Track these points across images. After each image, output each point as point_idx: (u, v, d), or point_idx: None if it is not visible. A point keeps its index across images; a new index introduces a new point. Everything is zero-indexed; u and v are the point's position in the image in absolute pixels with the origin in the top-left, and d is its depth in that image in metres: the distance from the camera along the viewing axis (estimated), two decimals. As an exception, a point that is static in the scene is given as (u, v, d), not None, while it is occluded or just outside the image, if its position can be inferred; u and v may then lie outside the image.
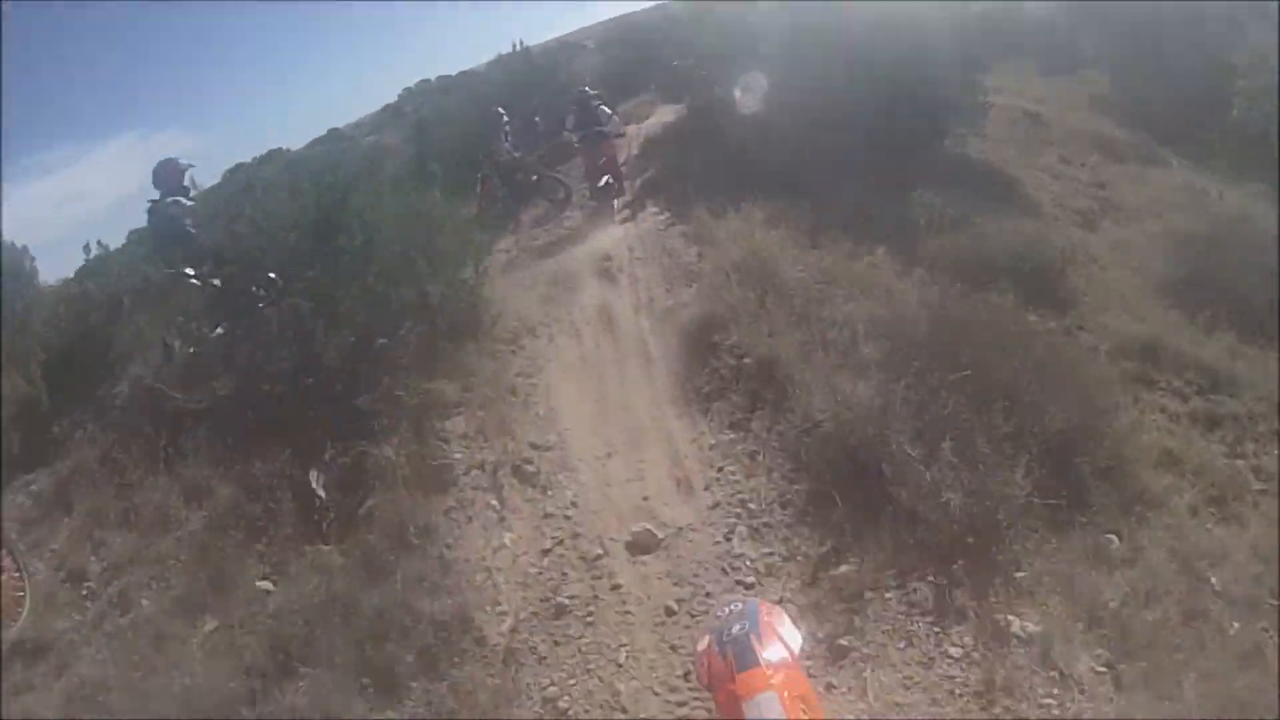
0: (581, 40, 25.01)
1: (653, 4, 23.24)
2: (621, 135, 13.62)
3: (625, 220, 12.56)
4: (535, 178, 13.42)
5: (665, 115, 17.37)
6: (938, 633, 5.31)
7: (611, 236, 11.32)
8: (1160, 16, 21.52)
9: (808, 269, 9.54)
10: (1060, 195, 14.04)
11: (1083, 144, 17.01)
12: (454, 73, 25.07)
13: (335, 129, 32.86)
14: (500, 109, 13.97)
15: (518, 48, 18.91)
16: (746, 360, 7.51)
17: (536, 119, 16.28)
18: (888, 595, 5.54)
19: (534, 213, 13.61)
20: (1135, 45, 21.57)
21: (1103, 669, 4.98)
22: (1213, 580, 5.65)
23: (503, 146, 13.39)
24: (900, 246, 10.67)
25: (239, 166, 29.73)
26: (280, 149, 30.57)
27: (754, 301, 8.02)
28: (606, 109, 13.20)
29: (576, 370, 8.05)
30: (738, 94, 14.35)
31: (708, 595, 5.82)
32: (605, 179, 12.62)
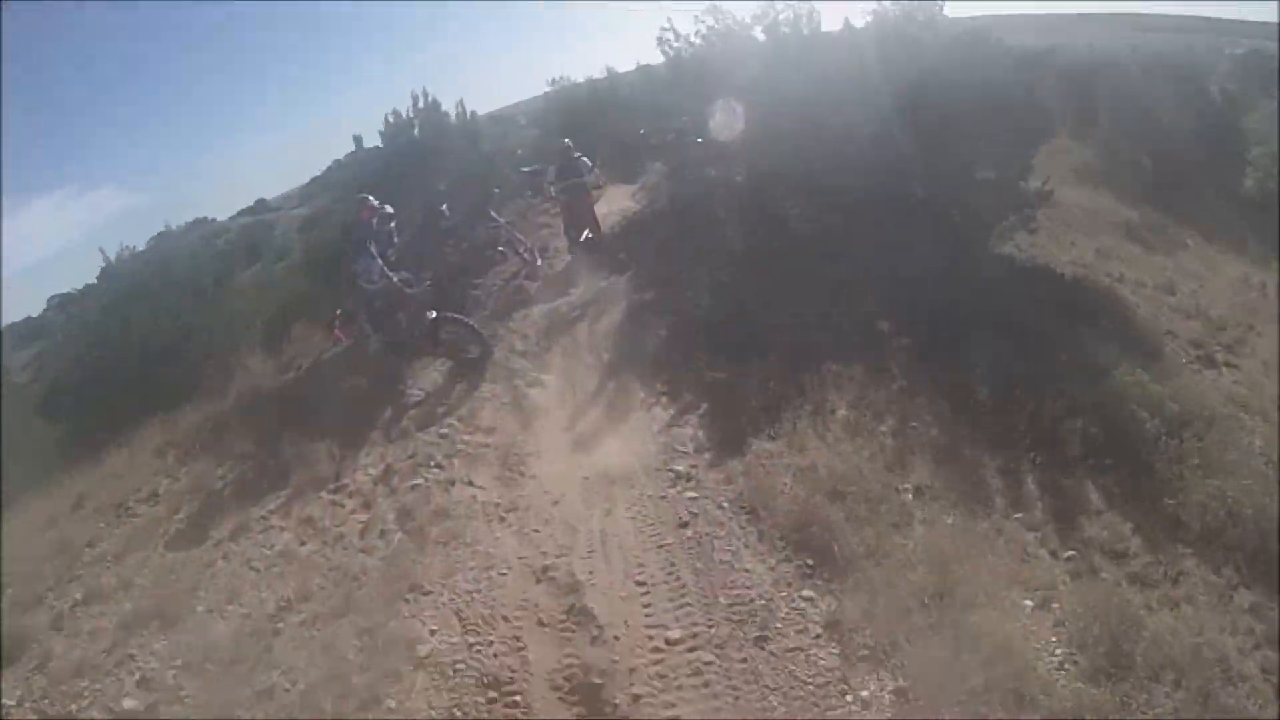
0: (514, 115, 18.61)
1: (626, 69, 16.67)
2: (600, 187, 9.82)
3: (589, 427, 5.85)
4: (434, 316, 6.41)
5: (620, 200, 10.70)
6: None
7: (584, 517, 4.65)
8: (1136, 77, 16.97)
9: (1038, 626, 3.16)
10: (1148, 312, 8.75)
11: (1103, 227, 12.05)
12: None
13: (263, 200, 27.63)
14: (369, 197, 6.88)
15: (421, 102, 11.67)
16: None
17: (444, 209, 9.30)
18: None
19: (431, 377, 6.59)
20: (1115, 109, 16.47)
21: None
22: None
23: (369, 265, 6.37)
24: (1121, 502, 5.08)
25: (164, 233, 24.90)
26: (205, 218, 26.11)
27: None
28: (586, 160, 9.33)
29: None
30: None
31: None
32: (585, 234, 9.33)
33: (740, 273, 7.33)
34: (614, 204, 10.54)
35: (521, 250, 9.28)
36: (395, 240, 8.39)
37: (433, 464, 5.27)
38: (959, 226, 9.10)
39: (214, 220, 26.28)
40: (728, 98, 8.76)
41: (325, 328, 7.17)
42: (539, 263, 9.24)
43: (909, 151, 8.62)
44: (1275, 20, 24.42)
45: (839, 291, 7.18)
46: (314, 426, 6.34)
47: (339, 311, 6.93)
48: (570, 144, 9.40)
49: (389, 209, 8.28)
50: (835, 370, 5.94)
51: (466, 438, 5.54)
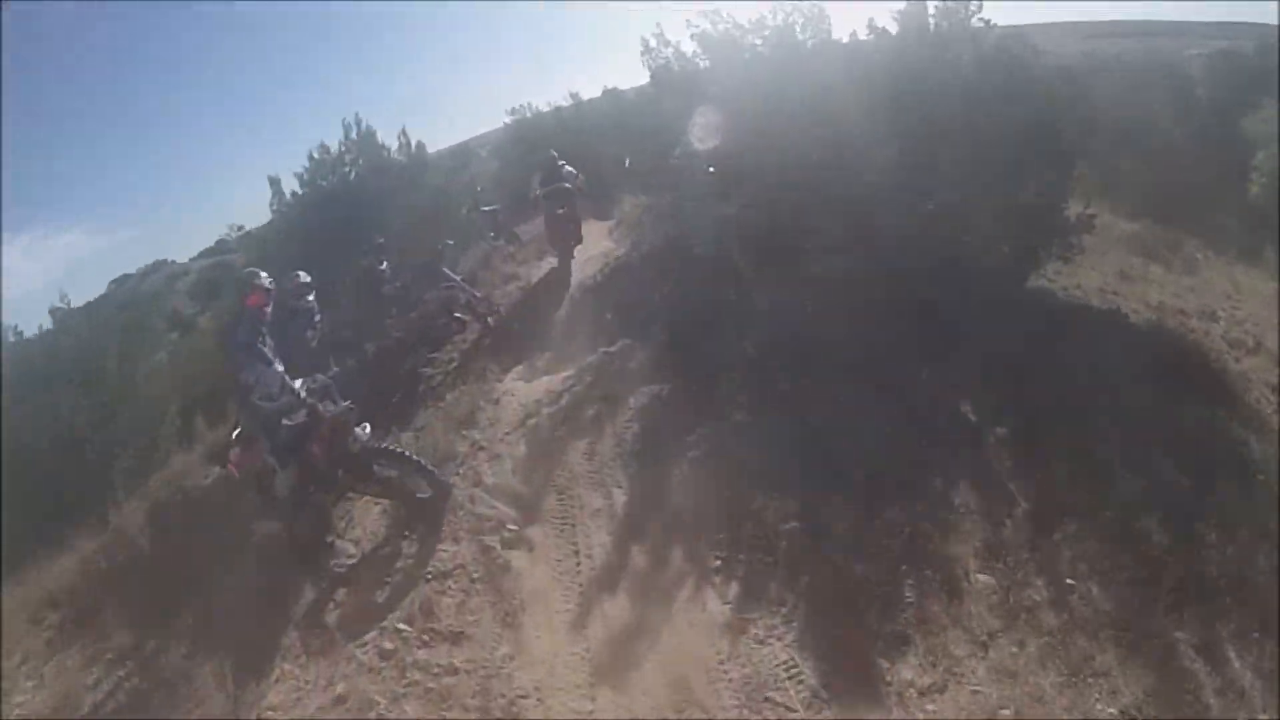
0: (475, 147, 16.72)
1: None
2: (582, 191, 8.71)
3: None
4: (364, 441, 4.26)
5: (597, 240, 8.77)
6: None
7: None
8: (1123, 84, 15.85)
9: None
10: (1204, 343, 7.16)
11: (1111, 244, 10.46)
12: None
13: (224, 240, 26.11)
14: (258, 274, 4.58)
15: (354, 132, 9.35)
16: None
17: (384, 267, 7.19)
18: None
19: (368, 522, 4.51)
20: (1107, 118, 15.10)
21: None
22: None
23: (265, 375, 4.22)
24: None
25: (124, 278, 24.80)
26: (165, 260, 25.73)
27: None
28: (571, 169, 8.50)
29: None
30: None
31: None
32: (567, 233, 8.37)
33: (771, 347, 5.45)
34: (590, 244, 8.56)
35: (483, 311, 7.23)
36: (317, 318, 6.27)
37: (372, 717, 3.21)
38: (1007, 262, 7.50)
39: (173, 262, 25.45)
40: (728, 116, 6.92)
41: (219, 455, 5.00)
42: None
43: (947, 177, 6.98)
44: (1227, 20, 23.87)
45: (899, 364, 5.38)
46: (210, 604, 4.24)
47: (236, 433, 4.75)
48: (556, 154, 8.58)
49: (304, 277, 6.16)
50: (938, 492, 4.12)
51: (421, 654, 3.46)
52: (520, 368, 6.45)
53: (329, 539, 4.74)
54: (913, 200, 7.08)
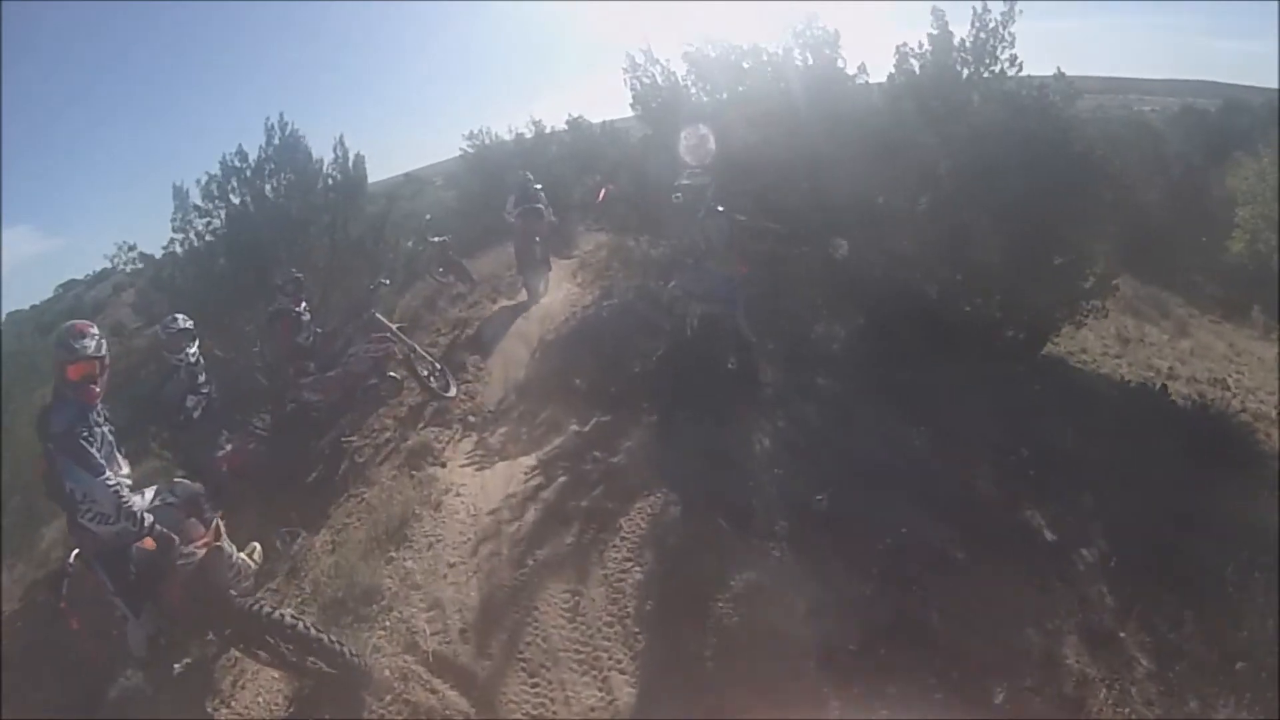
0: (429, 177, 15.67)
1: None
2: (554, 221, 8.17)
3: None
4: (245, 564, 2.88)
5: (561, 281, 7.60)
6: None
7: None
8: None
9: None
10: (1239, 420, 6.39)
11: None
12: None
13: (114, 265, 26.29)
14: (82, 331, 2.95)
15: (277, 136, 7.81)
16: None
17: (302, 309, 5.78)
18: None
19: (259, 689, 3.08)
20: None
21: None
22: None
23: (92, 488, 2.79)
24: None
25: (71, 283, 24.16)
26: (111, 268, 24.81)
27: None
28: (544, 195, 7.95)
29: None
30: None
31: None
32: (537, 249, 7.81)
33: (790, 437, 4.36)
34: (553, 285, 7.39)
35: (424, 372, 5.85)
36: (203, 380, 4.85)
37: None
38: (1025, 329, 6.74)
39: (122, 270, 26.37)
40: (724, 153, 5.84)
41: (49, 590, 3.53)
42: (451, 391, 5.88)
43: (972, 239, 6.17)
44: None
45: (944, 467, 4.36)
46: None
47: (70, 560, 3.29)
48: (531, 176, 8.11)
49: (183, 322, 4.75)
50: (1045, 652, 3.05)
51: None
52: (469, 445, 5.16)
53: (208, 709, 3.35)
54: (931, 266, 6.28)
